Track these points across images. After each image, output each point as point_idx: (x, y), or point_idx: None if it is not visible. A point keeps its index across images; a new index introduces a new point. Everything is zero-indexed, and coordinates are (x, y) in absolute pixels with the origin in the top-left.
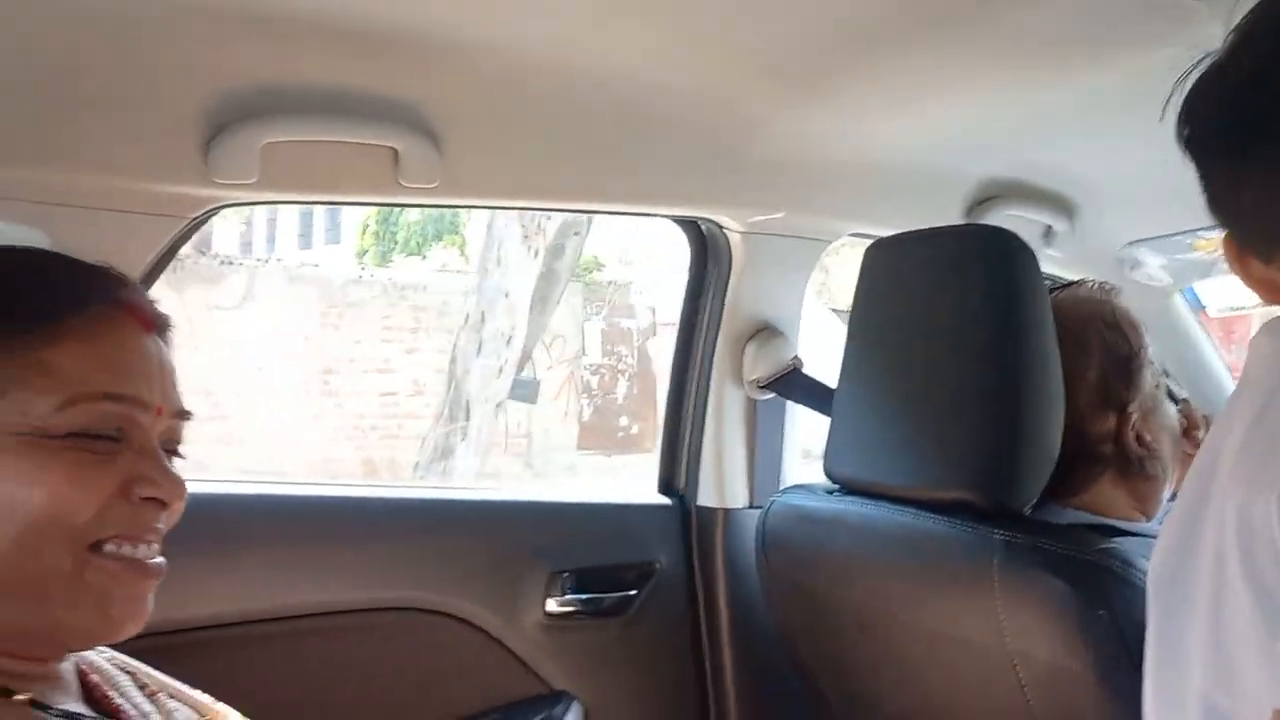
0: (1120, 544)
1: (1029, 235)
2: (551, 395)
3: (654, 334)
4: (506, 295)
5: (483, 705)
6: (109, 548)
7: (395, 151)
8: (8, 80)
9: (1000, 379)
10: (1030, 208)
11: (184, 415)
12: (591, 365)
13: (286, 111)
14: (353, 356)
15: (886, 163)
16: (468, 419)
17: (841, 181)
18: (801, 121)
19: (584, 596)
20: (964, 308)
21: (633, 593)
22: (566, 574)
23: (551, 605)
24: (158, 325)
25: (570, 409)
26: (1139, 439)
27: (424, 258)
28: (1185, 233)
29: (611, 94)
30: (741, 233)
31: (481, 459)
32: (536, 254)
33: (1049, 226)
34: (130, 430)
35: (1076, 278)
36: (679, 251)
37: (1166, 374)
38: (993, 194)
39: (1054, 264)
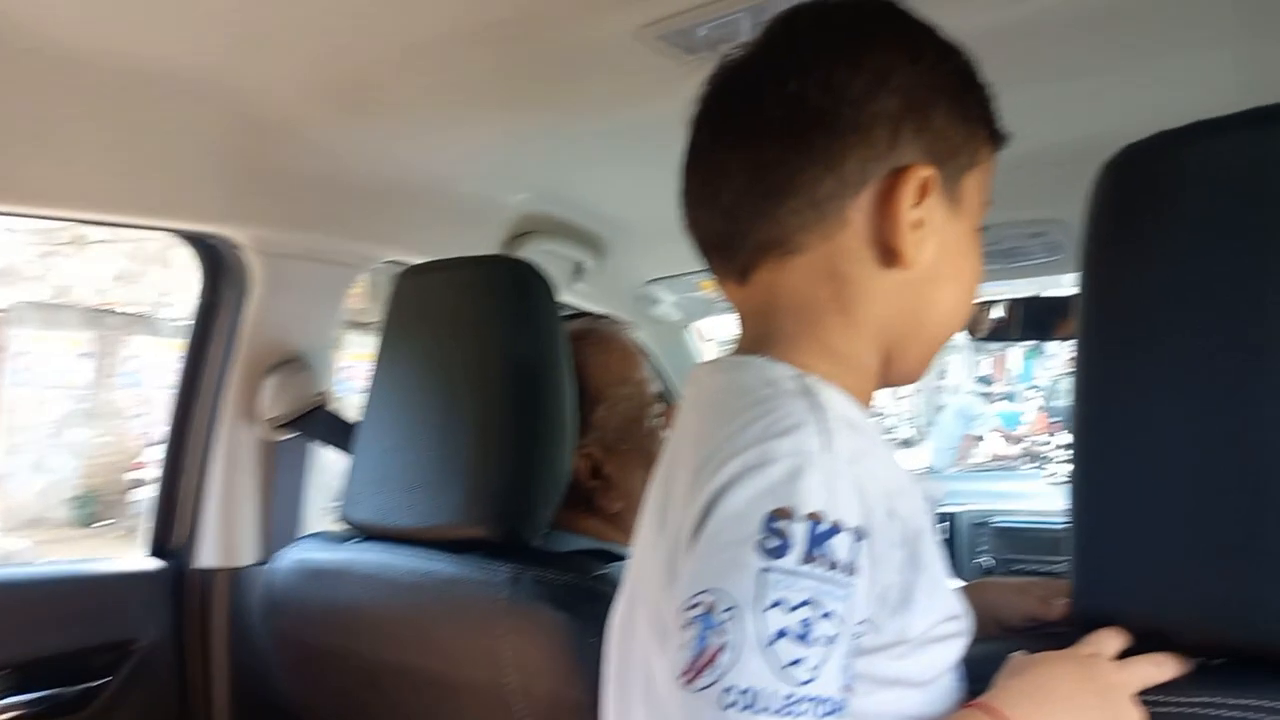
0: (616, 568)
1: (563, 269)
2: None
3: None
4: None
5: None
6: None
7: None
8: None
9: (512, 411)
10: (562, 243)
11: None
12: None
13: None
14: None
15: (425, 188)
16: None
17: (376, 204)
18: (333, 136)
19: (29, 697)
20: (480, 339)
21: (101, 681)
22: (5, 672)
23: None
24: None
25: None
26: (595, 473)
27: None
28: (693, 273)
29: (102, 80)
30: (261, 254)
31: None
32: None
33: (580, 262)
34: None
35: (608, 314)
36: None
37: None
38: (530, 228)
39: (584, 298)
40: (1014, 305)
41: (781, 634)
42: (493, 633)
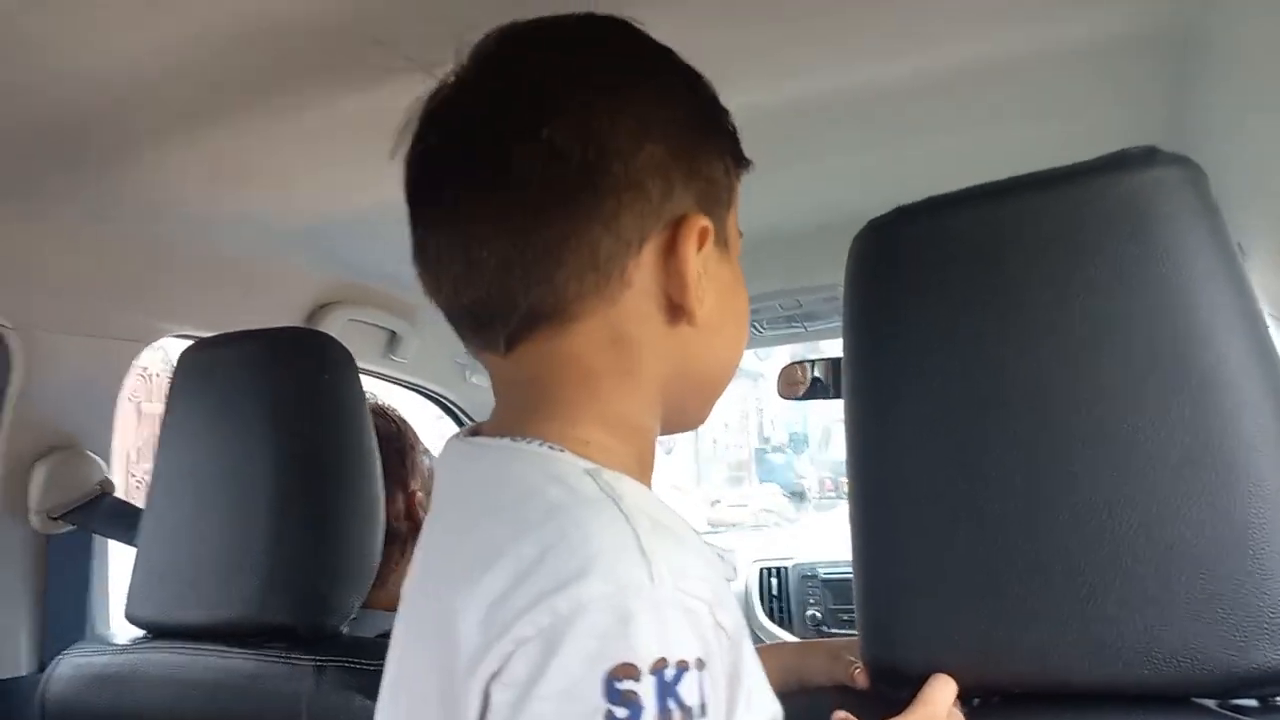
0: None
1: (376, 340)
2: None
3: None
4: None
5: None
6: None
7: None
8: None
9: (311, 491)
10: (371, 313)
11: None
12: None
13: None
14: None
15: (217, 257)
16: None
17: (162, 273)
18: (103, 196)
19: None
20: (274, 416)
21: None
22: None
23: None
24: None
25: None
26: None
27: None
28: None
29: None
30: (19, 329)
31: None
32: None
33: (393, 332)
34: None
35: (425, 382)
36: None
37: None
38: (335, 298)
39: (401, 370)
40: (828, 365)
41: None
42: None
